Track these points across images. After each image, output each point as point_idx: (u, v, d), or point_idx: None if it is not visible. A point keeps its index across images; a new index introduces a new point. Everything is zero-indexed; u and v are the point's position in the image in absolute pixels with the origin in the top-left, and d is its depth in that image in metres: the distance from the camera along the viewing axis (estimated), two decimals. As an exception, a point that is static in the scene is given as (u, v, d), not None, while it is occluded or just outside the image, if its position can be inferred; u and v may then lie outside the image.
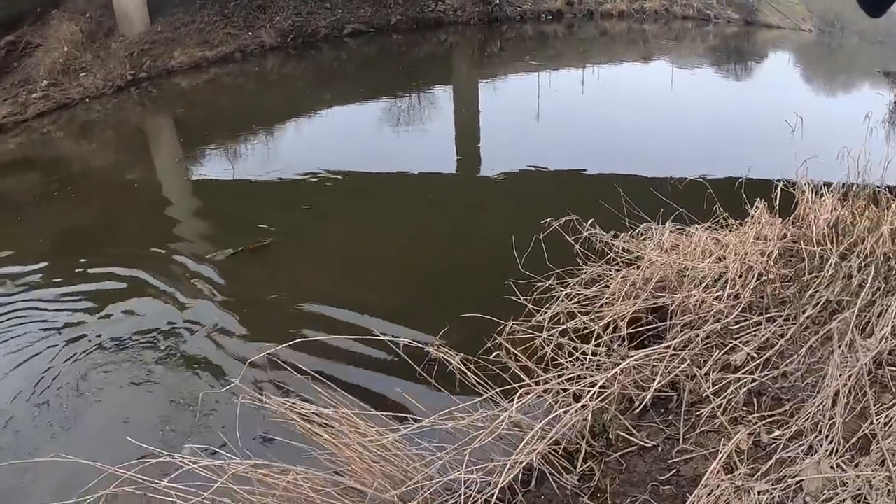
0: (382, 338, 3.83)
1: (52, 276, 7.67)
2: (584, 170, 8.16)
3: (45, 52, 20.52)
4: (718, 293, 3.81)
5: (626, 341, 3.80)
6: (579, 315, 4.04)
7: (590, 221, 4.79)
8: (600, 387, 3.16)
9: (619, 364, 3.32)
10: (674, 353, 3.38)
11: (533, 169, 8.36)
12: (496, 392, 3.46)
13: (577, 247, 4.67)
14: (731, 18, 25.98)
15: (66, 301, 6.93)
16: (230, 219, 8.39)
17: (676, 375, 3.28)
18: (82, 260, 7.79)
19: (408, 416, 3.45)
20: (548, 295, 4.36)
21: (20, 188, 13.55)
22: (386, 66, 16.55)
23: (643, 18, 23.71)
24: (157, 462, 3.11)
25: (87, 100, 18.68)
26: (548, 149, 9.12)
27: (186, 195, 10.23)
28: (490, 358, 3.84)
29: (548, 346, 3.81)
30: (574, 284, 4.39)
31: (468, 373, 3.55)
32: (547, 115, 11.17)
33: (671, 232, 4.67)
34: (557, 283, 4.42)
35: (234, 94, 16.62)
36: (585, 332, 3.94)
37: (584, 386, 3.30)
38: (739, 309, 3.64)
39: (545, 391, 3.41)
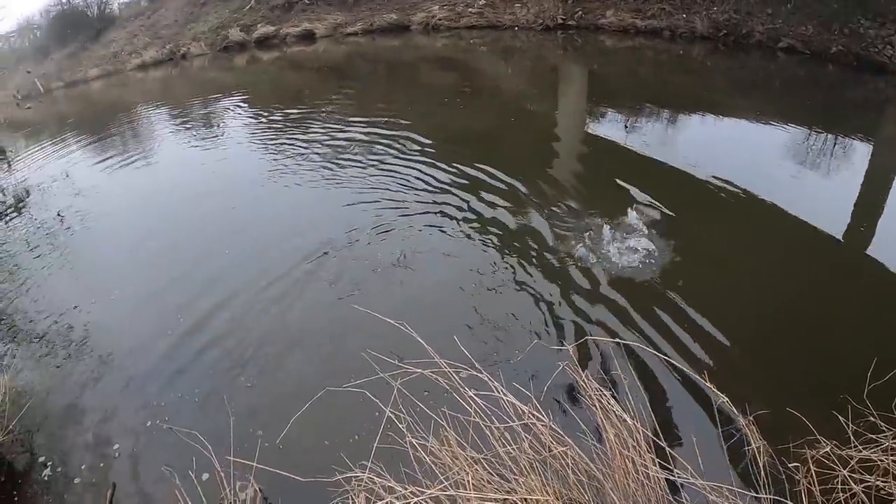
0: (708, 385, 4.01)
1: (443, 157, 9.11)
2: None
3: (494, -26, 22.28)
4: None
5: None
6: (891, 475, 3.74)
7: None
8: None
9: None
10: None
11: None
12: (770, 498, 3.50)
13: None
14: None
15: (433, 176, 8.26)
16: (603, 180, 8.77)
17: None
18: (461, 152, 9.07)
19: (686, 464, 3.58)
20: (869, 436, 4.05)
21: (437, 82, 15.18)
22: (811, 95, 15.59)
23: None
24: (468, 376, 3.64)
25: (516, 28, 20.24)
26: None
27: (575, 140, 10.80)
28: (785, 462, 3.86)
29: (844, 486, 3.63)
30: None
31: (759, 461, 3.63)
32: None
33: None
34: (888, 428, 4.07)
35: (653, 68, 16.87)
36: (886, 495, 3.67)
37: None
38: None
39: None
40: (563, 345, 5.17)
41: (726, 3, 19.65)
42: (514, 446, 3.57)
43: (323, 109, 13.42)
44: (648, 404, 4.55)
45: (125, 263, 8.68)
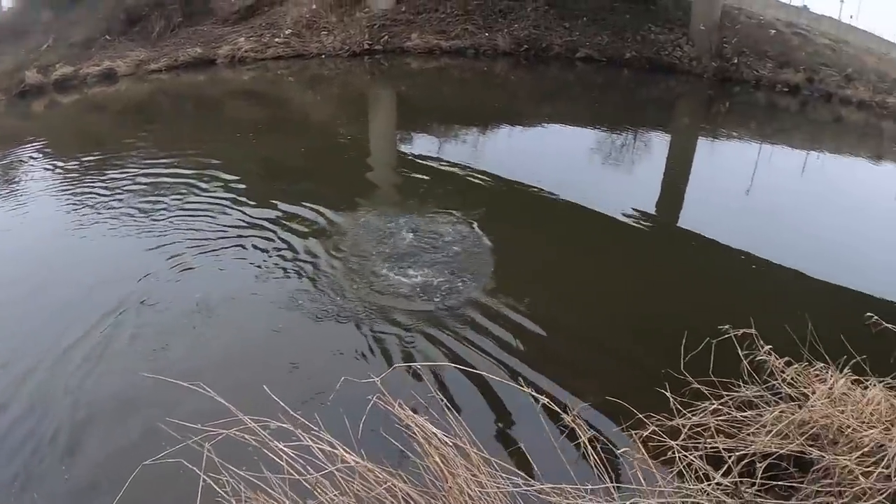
0: (524, 390, 3.84)
1: (250, 194, 8.69)
2: (780, 264, 7.66)
3: (294, 4, 22.17)
4: (870, 468, 3.50)
5: (756, 486, 3.60)
6: (721, 435, 3.90)
7: (766, 349, 4.49)
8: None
9: None
10: None
11: (726, 245, 7.97)
12: (612, 486, 3.46)
13: (745, 363, 4.43)
14: None
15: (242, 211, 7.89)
16: (421, 196, 8.71)
17: None
18: (276, 185, 8.72)
19: (520, 473, 3.47)
20: (697, 403, 4.20)
21: (244, 114, 14.68)
22: (610, 99, 16.42)
23: (883, 114, 22.28)
24: (277, 428, 3.38)
25: (323, 57, 19.99)
26: (749, 229, 8.67)
27: (388, 162, 10.69)
28: (619, 446, 3.87)
29: (679, 455, 3.69)
30: (727, 400, 4.19)
31: (593, 453, 3.53)
32: (759, 191, 10.65)
33: (847, 378, 4.27)
34: (709, 391, 4.25)
35: (459, 86, 17.14)
36: (721, 454, 3.78)
37: None
38: (886, 494, 3.35)
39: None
40: (371, 376, 4.87)
41: (526, 20, 20.39)
42: (335, 492, 3.27)
43: (125, 153, 12.51)
44: (470, 420, 4.36)
45: None
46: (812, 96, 21.06)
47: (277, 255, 7.39)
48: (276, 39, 21.15)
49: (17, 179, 12.69)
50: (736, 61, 20.63)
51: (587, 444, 3.50)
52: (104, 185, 10.59)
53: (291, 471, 3.25)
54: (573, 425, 3.57)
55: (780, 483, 3.69)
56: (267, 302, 6.56)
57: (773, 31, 23.76)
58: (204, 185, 9.72)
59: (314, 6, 21.60)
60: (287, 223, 8.14)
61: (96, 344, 6.14)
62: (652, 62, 19.67)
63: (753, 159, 12.66)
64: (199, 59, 21.10)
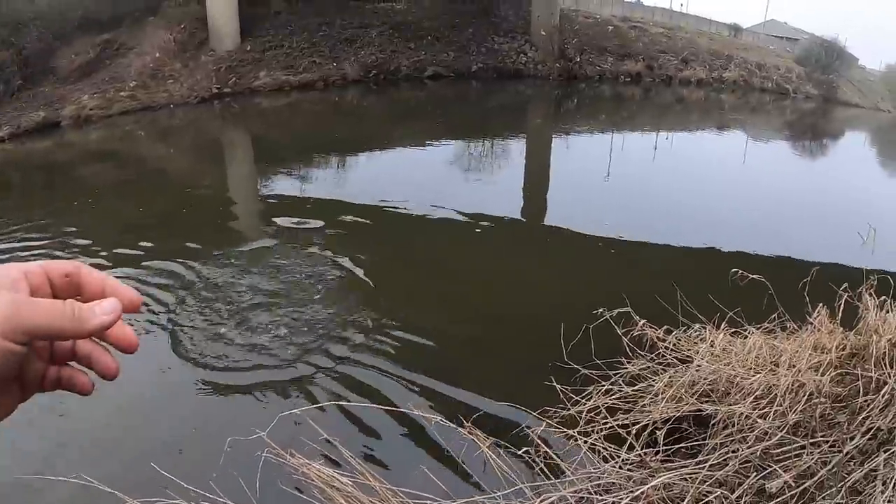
0: (413, 413, 3.87)
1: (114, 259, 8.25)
2: (645, 242, 7.96)
3: (137, 55, 21.39)
4: (765, 409, 3.67)
5: (661, 452, 3.63)
6: (619, 413, 3.93)
7: (642, 322, 4.58)
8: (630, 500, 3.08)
9: (651, 480, 3.22)
10: (708, 472, 3.29)
11: (592, 235, 8.15)
12: (525, 486, 3.39)
13: (626, 340, 4.51)
14: (809, 94, 25.85)
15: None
16: (286, 235, 8.61)
17: (707, 499, 3.19)
18: (142, 245, 8.33)
19: (430, 497, 3.38)
20: (588, 388, 4.24)
21: (97, 177, 14.08)
22: (462, 111, 16.67)
23: (721, 88, 23.64)
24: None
25: (172, 106, 19.38)
26: (612, 213, 9.02)
27: (251, 205, 10.49)
28: (521, 449, 3.76)
29: (580, 442, 3.70)
30: (617, 379, 4.24)
31: (497, 459, 3.50)
32: (616, 177, 11.08)
33: (725, 332, 4.44)
34: (598, 375, 4.31)
35: (312, 119, 17.01)
36: (622, 430, 3.82)
37: (611, 497, 3.22)
38: (785, 429, 3.52)
39: (571, 494, 3.33)
40: (257, 430, 4.65)
41: (372, 46, 20.53)
42: None
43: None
44: (367, 454, 4.27)
45: None
46: (654, 82, 22.20)
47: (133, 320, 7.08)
48: (122, 93, 20.35)
49: None
50: (578, 59, 21.49)
51: (489, 452, 3.49)
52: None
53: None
54: (471, 436, 3.54)
55: (684, 445, 3.77)
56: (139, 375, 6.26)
57: (611, 28, 24.93)
58: (59, 254, 9.25)
59: (157, 54, 20.95)
60: (147, 282, 7.81)
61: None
62: (499, 71, 20.20)
63: (607, 149, 13.17)
64: (44, 123, 20.05)
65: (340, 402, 4.72)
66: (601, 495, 3.26)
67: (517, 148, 13.60)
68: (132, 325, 6.46)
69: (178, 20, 21.64)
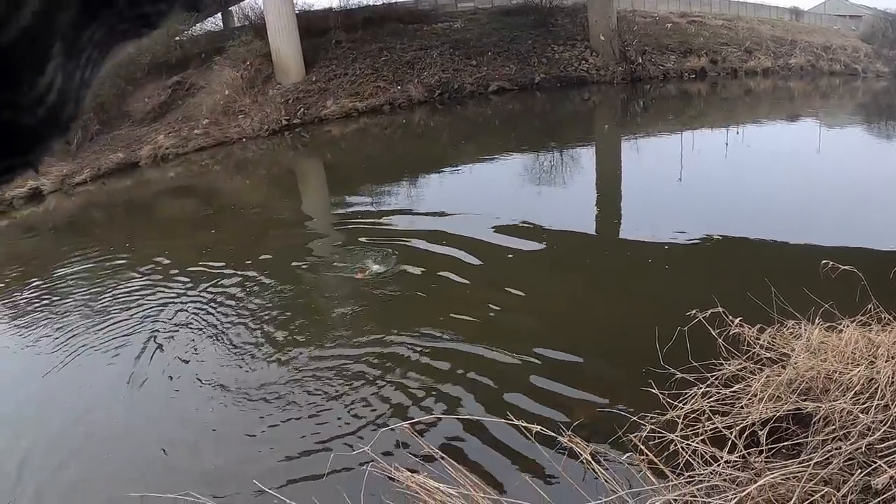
0: (516, 423, 3.83)
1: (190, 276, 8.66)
2: (728, 239, 7.83)
3: (207, 93, 22.19)
4: (866, 404, 3.58)
5: (764, 453, 3.57)
6: (717, 416, 3.88)
7: (737, 321, 4.51)
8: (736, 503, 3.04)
9: (756, 481, 3.17)
10: (813, 470, 3.22)
11: (673, 240, 8.02)
12: (625, 494, 3.40)
13: (720, 340, 4.43)
14: (880, 72, 24.95)
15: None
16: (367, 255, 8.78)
17: (813, 498, 3.11)
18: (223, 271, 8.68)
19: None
20: (685, 391, 4.18)
21: (175, 209, 14.61)
22: (529, 123, 16.65)
23: (788, 75, 23.02)
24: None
25: (244, 140, 20.01)
26: (688, 215, 8.86)
27: (328, 229, 10.70)
28: (621, 455, 3.80)
29: (682, 446, 3.66)
30: (713, 381, 4.17)
31: (598, 467, 3.51)
32: (689, 178, 10.88)
33: (820, 327, 4.34)
34: (695, 377, 4.23)
35: (382, 143, 17.28)
36: (722, 434, 3.76)
37: (717, 500, 3.19)
38: (888, 424, 3.42)
39: (674, 499, 3.32)
40: (356, 448, 4.74)
41: (434, 67, 20.79)
42: None
43: (57, 274, 12.12)
44: (469, 466, 4.32)
45: None
46: (719, 76, 21.81)
47: (244, 344, 7.30)
48: (195, 131, 21.15)
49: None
50: (640, 60, 21.30)
51: (590, 459, 3.48)
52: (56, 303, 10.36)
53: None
54: (571, 444, 3.54)
55: (786, 444, 3.69)
56: (243, 388, 6.45)
57: (670, 25, 24.65)
58: (141, 269, 9.70)
59: (227, 92, 21.70)
60: (242, 302, 8.05)
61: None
62: (562, 79, 20.18)
63: (678, 149, 12.96)
64: (123, 164, 20.93)
65: (442, 416, 4.77)
66: (706, 498, 3.26)
67: (587, 156, 13.51)
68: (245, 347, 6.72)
69: (242, 58, 22.37)
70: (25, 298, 11.31)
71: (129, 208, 16.69)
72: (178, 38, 24.28)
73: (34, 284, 11.88)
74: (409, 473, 3.62)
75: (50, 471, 5.38)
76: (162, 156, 20.55)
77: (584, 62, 21.33)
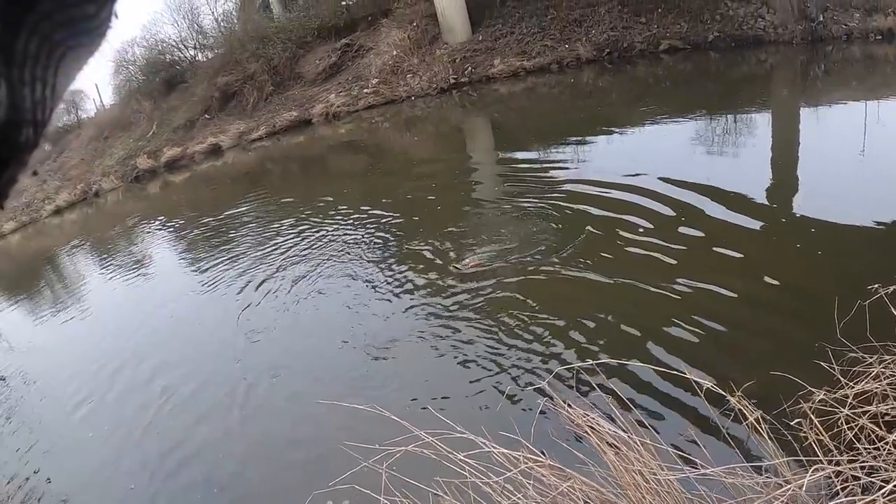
0: (688, 376, 3.93)
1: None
2: None
3: (375, 54, 23.06)
4: None
5: None
6: (890, 398, 3.78)
7: None
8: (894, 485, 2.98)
9: None
10: None
11: (855, 215, 7.62)
12: (784, 461, 3.49)
13: None
14: None
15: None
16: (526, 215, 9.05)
17: None
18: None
19: (694, 459, 3.57)
20: (856, 369, 4.10)
21: (346, 163, 15.42)
22: (702, 85, 16.19)
23: None
24: (460, 436, 3.55)
25: (412, 98, 20.70)
26: (871, 192, 8.32)
27: (496, 187, 11.02)
28: (786, 423, 3.85)
29: (849, 425, 3.64)
30: (890, 363, 4.01)
31: (762, 432, 3.59)
32: (873, 152, 10.19)
33: None
34: (874, 357, 4.10)
35: (550, 102, 17.36)
36: (892, 419, 3.70)
37: (876, 479, 3.19)
38: None
39: (836, 473, 3.34)
40: (535, 382, 5.09)
41: (602, 24, 20.49)
42: (519, 495, 3.43)
43: (243, 218, 13.17)
44: (637, 413, 4.55)
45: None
46: (909, 38, 20.13)
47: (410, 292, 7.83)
48: (365, 90, 22.06)
49: (147, 256, 13.66)
50: (822, 18, 19.99)
51: (755, 423, 3.57)
52: (230, 249, 11.31)
53: (473, 478, 3.47)
54: (739, 406, 3.64)
55: None
56: (425, 335, 6.96)
57: (856, -24, 22.97)
58: (309, 211, 10.51)
59: (395, 52, 22.42)
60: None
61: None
62: (737, 39, 19.33)
63: (861, 119, 12.22)
64: (296, 122, 22.31)
65: (616, 361, 4.86)
66: (867, 477, 3.27)
67: (762, 122, 13.00)
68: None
69: (409, 19, 22.99)
70: (202, 232, 12.40)
71: (303, 163, 17.71)
72: (344, 3, 25.36)
73: (206, 223, 13.00)
74: (582, 412, 3.81)
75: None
76: (333, 113, 21.68)
77: (759, 20, 20.26)
